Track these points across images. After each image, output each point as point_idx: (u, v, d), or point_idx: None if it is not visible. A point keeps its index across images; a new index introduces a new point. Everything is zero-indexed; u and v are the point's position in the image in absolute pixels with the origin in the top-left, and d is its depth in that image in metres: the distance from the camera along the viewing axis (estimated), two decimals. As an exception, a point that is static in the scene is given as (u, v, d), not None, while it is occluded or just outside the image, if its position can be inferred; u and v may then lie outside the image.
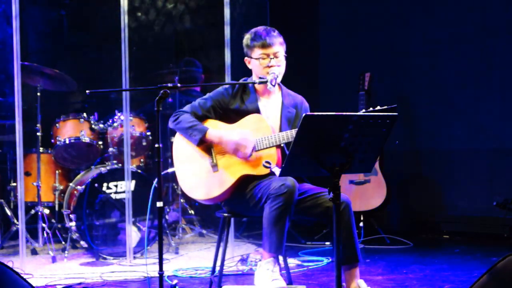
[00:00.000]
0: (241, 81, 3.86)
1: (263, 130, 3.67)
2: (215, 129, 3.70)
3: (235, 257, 5.06)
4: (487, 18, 6.14)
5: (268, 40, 3.70)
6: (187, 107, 3.80)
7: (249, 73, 3.85)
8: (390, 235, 5.94)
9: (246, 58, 3.81)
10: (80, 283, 4.42)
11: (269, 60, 3.70)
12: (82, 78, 6.04)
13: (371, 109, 3.51)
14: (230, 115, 3.76)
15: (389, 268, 4.84)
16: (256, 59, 3.73)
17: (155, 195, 3.64)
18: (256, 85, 3.80)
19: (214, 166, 3.67)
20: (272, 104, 3.81)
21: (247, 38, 3.78)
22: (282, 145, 3.66)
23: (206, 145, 3.71)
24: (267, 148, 3.62)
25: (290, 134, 3.59)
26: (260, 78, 3.70)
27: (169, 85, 3.33)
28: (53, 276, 4.61)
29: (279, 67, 3.72)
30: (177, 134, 3.80)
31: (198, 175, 3.69)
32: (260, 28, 3.76)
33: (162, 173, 3.33)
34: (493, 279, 2.82)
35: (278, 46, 3.72)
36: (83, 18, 6.56)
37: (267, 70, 3.70)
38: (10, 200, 5.71)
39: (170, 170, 5.65)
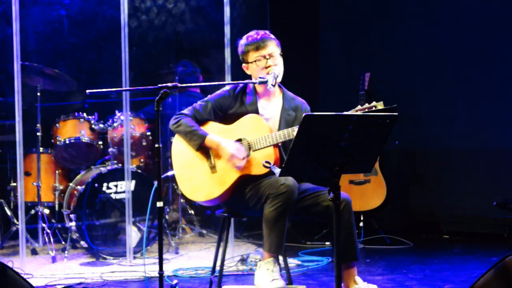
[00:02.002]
0: (241, 82, 3.85)
1: (261, 130, 3.67)
2: (214, 134, 3.69)
3: (235, 257, 5.06)
4: (487, 18, 6.14)
5: (261, 41, 3.69)
6: (187, 110, 3.80)
7: (249, 76, 3.84)
8: (390, 235, 5.94)
9: (243, 65, 3.80)
10: (80, 283, 4.42)
11: (265, 61, 3.70)
12: (82, 78, 6.04)
13: (366, 104, 3.51)
14: (231, 117, 3.76)
15: (389, 268, 4.84)
16: (252, 62, 3.73)
17: (155, 195, 3.64)
18: (257, 87, 3.80)
19: (213, 167, 3.67)
20: (272, 106, 3.81)
21: (241, 45, 3.78)
22: (279, 144, 3.66)
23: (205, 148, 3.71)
24: (265, 147, 3.62)
25: (287, 133, 3.58)
26: (260, 78, 3.70)
27: (169, 85, 3.33)
28: (53, 276, 4.61)
29: (277, 66, 3.72)
30: (175, 137, 3.80)
31: (197, 177, 3.69)
32: (252, 32, 3.77)
33: (162, 176, 3.33)
34: (493, 279, 2.82)
35: (272, 46, 3.72)
36: (83, 18, 6.56)
37: (266, 71, 3.70)
38: (10, 200, 5.71)
39: (169, 173, 5.65)
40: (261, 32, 3.75)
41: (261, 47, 3.69)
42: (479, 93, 6.21)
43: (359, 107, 3.54)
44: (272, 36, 3.76)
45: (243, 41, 3.77)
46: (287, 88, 3.90)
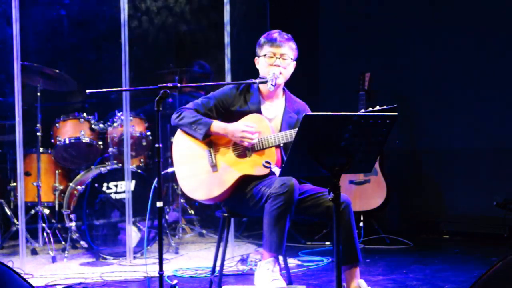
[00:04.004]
0: (241, 81, 3.85)
1: (263, 130, 3.67)
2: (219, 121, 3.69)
3: (235, 257, 5.06)
4: (487, 17, 6.14)
5: (278, 40, 3.72)
6: (189, 105, 3.80)
7: (249, 73, 3.85)
8: (390, 235, 5.94)
9: (255, 58, 3.83)
10: (80, 283, 4.42)
11: (274, 59, 3.71)
12: (82, 78, 6.04)
13: (370, 109, 3.51)
14: (232, 116, 3.76)
15: (389, 268, 4.84)
16: (263, 56, 3.74)
17: (155, 195, 3.64)
18: (261, 88, 3.81)
19: (214, 166, 3.67)
20: (274, 108, 3.81)
21: (260, 39, 3.81)
22: (281, 145, 3.66)
23: (205, 145, 3.71)
24: (266, 148, 3.62)
25: (289, 134, 3.59)
26: (260, 78, 3.71)
27: (169, 85, 3.33)
28: (53, 276, 4.61)
29: (284, 69, 3.73)
30: (176, 135, 3.80)
31: (198, 175, 3.69)
32: (275, 30, 3.81)
33: (162, 173, 3.33)
34: (493, 279, 2.82)
35: (287, 48, 3.73)
36: (83, 18, 6.55)
37: (270, 69, 3.70)
38: (10, 200, 5.71)
39: (170, 170, 5.66)
40: (284, 33, 3.78)
41: (275, 45, 3.72)
42: (479, 93, 6.21)
43: (362, 111, 3.53)
44: (293, 41, 3.78)
45: (263, 35, 3.80)
46: (287, 88, 3.90)
